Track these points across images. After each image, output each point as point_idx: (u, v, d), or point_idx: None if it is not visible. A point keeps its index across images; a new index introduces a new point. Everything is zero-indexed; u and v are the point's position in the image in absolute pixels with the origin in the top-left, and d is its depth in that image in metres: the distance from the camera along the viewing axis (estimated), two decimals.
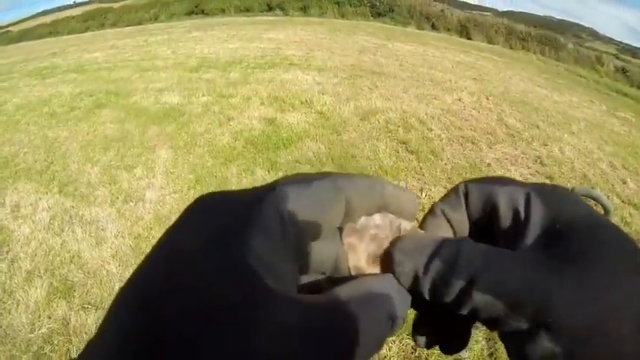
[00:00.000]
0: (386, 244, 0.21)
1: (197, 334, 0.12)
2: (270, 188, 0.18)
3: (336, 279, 0.20)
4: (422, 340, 0.24)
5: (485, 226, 0.22)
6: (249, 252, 0.14)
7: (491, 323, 0.18)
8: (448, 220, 0.22)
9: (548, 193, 0.20)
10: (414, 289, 0.19)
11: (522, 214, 0.20)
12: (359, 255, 0.21)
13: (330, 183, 0.19)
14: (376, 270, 0.21)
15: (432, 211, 0.23)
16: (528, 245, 0.19)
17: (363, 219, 0.21)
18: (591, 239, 0.18)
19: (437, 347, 0.24)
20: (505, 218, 0.20)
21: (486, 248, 0.19)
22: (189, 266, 0.14)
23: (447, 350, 0.24)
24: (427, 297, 0.19)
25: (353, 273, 0.21)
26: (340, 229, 0.21)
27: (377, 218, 0.22)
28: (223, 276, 0.14)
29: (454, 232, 0.22)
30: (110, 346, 0.13)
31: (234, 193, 0.17)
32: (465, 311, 0.18)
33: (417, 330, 0.24)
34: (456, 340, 0.23)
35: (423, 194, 2.71)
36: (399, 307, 0.18)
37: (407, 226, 0.22)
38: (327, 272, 0.21)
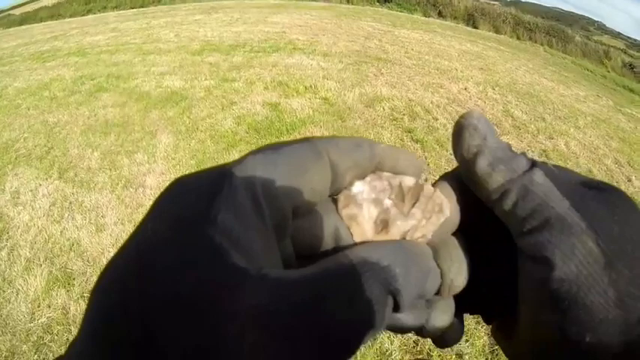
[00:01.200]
0: (391, 208, 0.19)
1: (158, 327, 0.11)
2: (240, 160, 0.16)
3: None
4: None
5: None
6: (216, 230, 0.13)
7: (530, 215, 0.18)
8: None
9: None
10: (469, 158, 0.19)
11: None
12: (363, 226, 0.18)
13: (307, 146, 0.17)
14: (387, 237, 0.18)
15: (447, 175, 0.22)
16: None
17: (357, 184, 0.19)
18: (625, 197, 0.18)
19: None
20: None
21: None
22: (154, 253, 0.13)
23: (440, 342, 0.22)
24: (483, 164, 0.19)
25: None
26: (335, 200, 0.19)
27: (373, 180, 0.19)
28: (187, 260, 0.12)
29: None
30: (83, 347, 0.12)
31: (205, 170, 0.16)
32: (514, 191, 0.18)
33: None
34: (451, 332, 0.22)
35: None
36: (403, 280, 0.15)
37: (409, 182, 0.19)
38: (329, 250, 0.18)
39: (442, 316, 0.21)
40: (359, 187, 0.19)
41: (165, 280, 0.12)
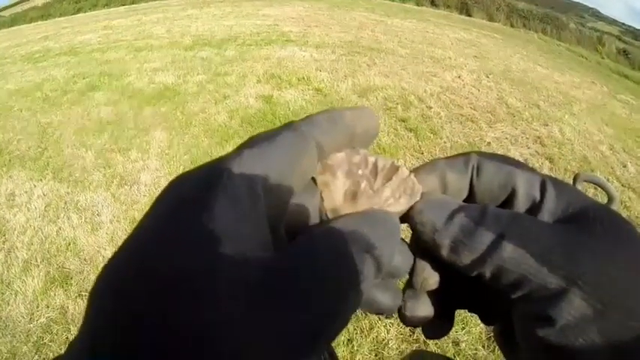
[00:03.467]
0: (362, 182, 0.20)
1: (151, 314, 0.12)
2: (236, 153, 0.16)
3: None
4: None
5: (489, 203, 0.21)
6: (212, 219, 0.13)
7: (512, 287, 0.18)
8: (445, 183, 0.21)
9: (561, 183, 0.20)
10: (429, 246, 0.19)
11: (537, 198, 0.20)
12: (334, 194, 0.20)
13: (294, 132, 0.18)
14: (353, 210, 0.19)
15: (432, 165, 0.22)
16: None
17: (335, 155, 0.20)
18: (611, 220, 0.18)
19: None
20: (522, 202, 0.20)
21: (512, 211, 0.19)
22: (148, 246, 0.13)
23: (426, 332, 0.24)
24: (444, 254, 0.19)
25: (330, 216, 0.19)
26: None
27: (350, 154, 0.20)
28: (182, 249, 0.13)
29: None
30: (82, 345, 0.13)
31: (203, 165, 0.16)
32: (487, 270, 0.18)
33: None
34: (442, 324, 0.23)
35: None
36: (380, 245, 0.16)
37: (385, 162, 0.21)
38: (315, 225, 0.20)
39: (420, 306, 0.22)
40: (336, 158, 0.20)
41: (160, 269, 0.12)
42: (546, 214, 0.19)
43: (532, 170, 0.20)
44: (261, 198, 0.15)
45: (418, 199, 0.20)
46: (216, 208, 0.14)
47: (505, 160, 0.21)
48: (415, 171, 0.21)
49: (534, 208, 0.19)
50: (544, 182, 0.20)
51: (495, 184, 0.20)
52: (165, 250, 0.13)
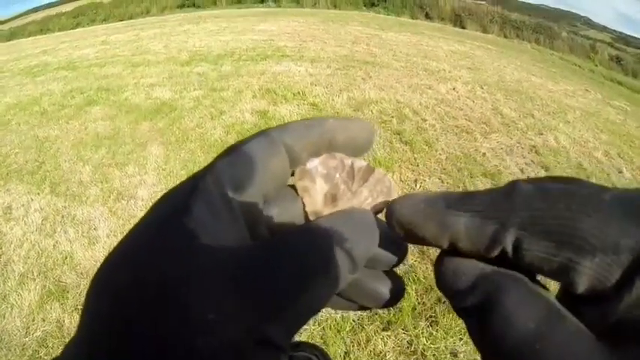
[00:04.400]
0: (340, 185, 0.21)
1: (135, 322, 0.13)
2: (210, 164, 0.18)
3: None
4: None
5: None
6: (191, 220, 0.15)
7: (555, 273, 0.14)
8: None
9: None
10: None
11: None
12: (314, 197, 0.20)
13: (262, 138, 0.19)
14: (334, 210, 0.20)
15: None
16: None
17: (312, 160, 0.21)
18: None
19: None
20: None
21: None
22: (140, 253, 0.15)
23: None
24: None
25: (312, 219, 0.20)
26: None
27: (326, 158, 0.21)
28: (167, 246, 0.15)
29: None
30: (78, 350, 0.14)
31: (184, 180, 0.18)
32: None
33: None
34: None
35: (418, 185, 2.69)
36: (353, 238, 0.17)
37: (360, 163, 0.21)
38: None
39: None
40: (313, 163, 0.21)
41: (150, 276, 0.14)
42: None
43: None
44: (232, 200, 0.17)
45: (395, 197, 0.21)
46: (194, 212, 0.16)
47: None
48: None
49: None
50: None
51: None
52: (154, 258, 0.15)
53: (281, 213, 0.20)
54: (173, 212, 0.16)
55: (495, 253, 0.15)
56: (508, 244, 0.15)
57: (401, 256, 0.21)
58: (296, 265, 0.15)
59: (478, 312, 0.15)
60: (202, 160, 2.98)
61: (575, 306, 0.14)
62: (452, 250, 0.17)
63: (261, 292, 0.14)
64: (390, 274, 0.22)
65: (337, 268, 0.16)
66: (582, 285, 0.14)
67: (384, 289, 0.21)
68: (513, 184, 0.15)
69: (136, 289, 0.14)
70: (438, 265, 0.17)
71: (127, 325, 0.13)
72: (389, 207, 0.19)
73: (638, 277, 0.12)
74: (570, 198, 0.14)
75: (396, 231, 0.18)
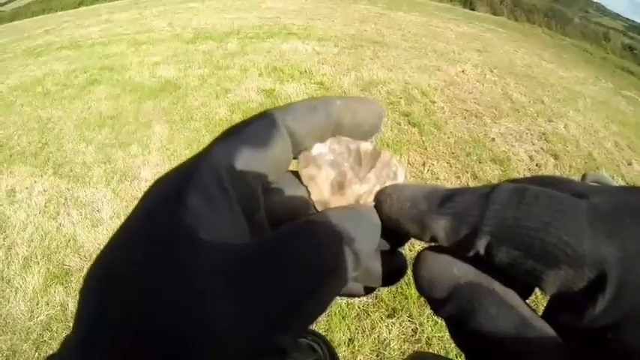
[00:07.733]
0: (347, 171, 0.20)
1: (130, 317, 0.12)
2: (206, 148, 0.17)
3: None
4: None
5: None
6: (186, 211, 0.14)
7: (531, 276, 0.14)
8: None
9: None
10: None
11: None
12: (320, 186, 0.19)
13: (264, 121, 0.18)
14: (342, 201, 0.19)
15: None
16: None
17: (317, 146, 0.19)
18: None
19: None
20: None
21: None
22: (136, 243, 0.14)
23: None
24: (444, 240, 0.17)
25: (319, 209, 0.19)
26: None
27: (332, 143, 0.20)
28: (161, 239, 0.14)
29: None
30: (74, 346, 0.13)
31: (178, 165, 0.17)
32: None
33: None
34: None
35: (426, 169, 2.68)
36: (360, 239, 0.16)
37: (367, 147, 0.20)
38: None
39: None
40: (318, 149, 0.19)
41: (142, 260, 0.13)
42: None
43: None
44: (229, 188, 0.16)
45: (402, 181, 0.20)
46: (189, 202, 0.14)
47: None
48: None
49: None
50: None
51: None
52: (150, 251, 0.13)
53: (282, 201, 0.19)
54: (165, 204, 0.15)
55: (471, 253, 0.15)
56: (480, 247, 0.15)
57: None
58: (303, 268, 0.14)
59: (453, 321, 0.16)
60: (207, 139, 2.94)
61: (551, 307, 0.16)
62: (437, 246, 0.17)
63: (265, 298, 0.13)
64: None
65: (345, 270, 0.16)
66: (549, 291, 0.14)
67: (379, 267, 0.21)
68: (496, 186, 0.15)
69: (132, 285, 0.13)
70: (415, 270, 0.18)
71: (122, 320, 0.12)
72: (377, 201, 0.19)
73: (601, 295, 0.12)
74: (545, 207, 0.14)
75: (385, 224, 0.18)
